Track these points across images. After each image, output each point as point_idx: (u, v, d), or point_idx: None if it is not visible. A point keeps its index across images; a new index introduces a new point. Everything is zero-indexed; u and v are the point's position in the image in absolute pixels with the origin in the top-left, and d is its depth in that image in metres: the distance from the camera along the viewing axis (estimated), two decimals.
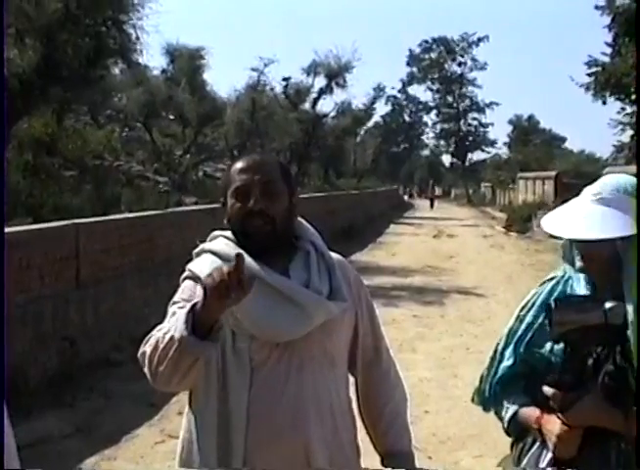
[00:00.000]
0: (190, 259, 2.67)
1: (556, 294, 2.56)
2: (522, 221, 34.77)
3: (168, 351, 2.31)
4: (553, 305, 2.38)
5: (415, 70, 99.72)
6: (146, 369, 2.44)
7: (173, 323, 2.32)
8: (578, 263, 2.50)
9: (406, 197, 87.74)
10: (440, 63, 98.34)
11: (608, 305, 2.28)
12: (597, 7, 28.84)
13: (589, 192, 2.49)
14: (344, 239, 25.23)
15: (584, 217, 2.45)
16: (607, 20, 28.78)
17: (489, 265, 21.01)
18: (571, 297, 2.49)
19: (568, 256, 2.58)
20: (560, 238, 2.55)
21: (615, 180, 2.48)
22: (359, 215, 36.50)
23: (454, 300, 15.06)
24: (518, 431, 2.61)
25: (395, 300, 14.63)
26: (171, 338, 2.29)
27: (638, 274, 2.35)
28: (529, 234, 32.00)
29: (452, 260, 22.23)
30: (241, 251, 2.50)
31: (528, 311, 2.63)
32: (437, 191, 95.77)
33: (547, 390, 2.39)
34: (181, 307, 2.45)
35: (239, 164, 2.59)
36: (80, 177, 15.40)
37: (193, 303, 2.31)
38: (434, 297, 15.32)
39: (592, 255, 2.45)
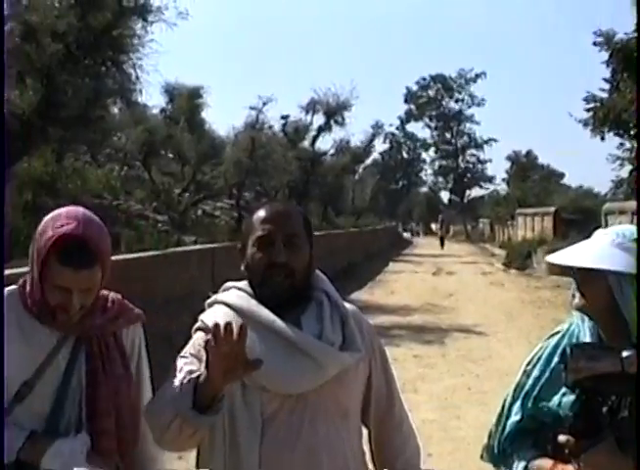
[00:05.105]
0: (202, 310, 2.64)
1: (561, 347, 2.55)
2: (521, 258, 34.74)
3: (170, 421, 2.30)
4: (569, 351, 2.36)
5: (413, 107, 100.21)
6: (150, 429, 2.44)
7: (177, 393, 2.31)
8: (576, 300, 2.49)
9: (407, 234, 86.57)
10: (438, 100, 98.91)
11: (625, 353, 2.26)
12: (595, 43, 29.07)
13: (604, 236, 2.48)
14: (344, 277, 25.17)
15: (583, 249, 2.47)
16: (605, 55, 29.00)
17: (489, 303, 20.95)
18: (587, 344, 2.47)
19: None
20: (563, 273, 2.54)
21: (632, 231, 2.48)
22: (358, 253, 36.48)
23: (455, 338, 15.00)
24: None
25: (396, 339, 14.56)
26: (173, 408, 2.29)
27: (638, 296, 2.34)
28: (529, 271, 31.98)
29: (452, 298, 22.16)
30: (254, 302, 2.49)
31: (535, 366, 2.61)
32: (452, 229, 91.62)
33: (561, 437, 2.35)
34: (188, 363, 2.44)
35: (262, 213, 2.55)
36: None
37: (196, 375, 2.30)
38: (435, 336, 15.26)
39: (587, 290, 2.44)
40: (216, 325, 2.16)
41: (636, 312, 2.35)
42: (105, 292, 2.71)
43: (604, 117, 28.67)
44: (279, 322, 2.44)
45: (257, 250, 2.50)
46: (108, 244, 2.60)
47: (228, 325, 2.14)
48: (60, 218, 2.54)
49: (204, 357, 2.33)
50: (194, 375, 2.31)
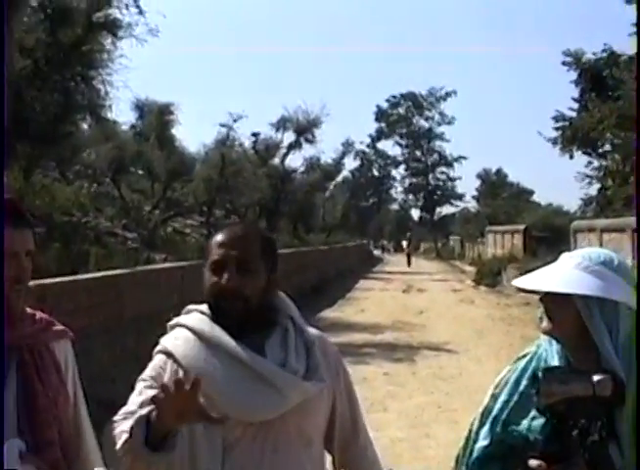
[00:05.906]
0: (163, 333, 2.59)
1: (529, 371, 2.53)
2: (491, 275, 34.89)
3: (123, 454, 2.26)
4: (540, 375, 2.35)
5: (383, 125, 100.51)
6: (105, 457, 2.41)
7: (130, 426, 2.26)
8: (544, 324, 2.46)
9: (377, 252, 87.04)
10: (408, 118, 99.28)
11: (596, 377, 2.26)
12: (564, 63, 29.51)
13: (571, 259, 2.46)
14: (314, 295, 25.15)
15: (549, 273, 2.45)
16: (573, 75, 29.46)
17: (459, 320, 20.99)
18: (558, 368, 2.45)
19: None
20: (533, 293, 2.52)
21: (598, 253, 2.46)
22: (329, 271, 36.48)
23: (425, 356, 15.00)
24: None
25: (366, 357, 14.51)
26: (126, 443, 2.25)
27: (638, 318, 2.33)
28: (499, 288, 32.11)
29: (422, 316, 22.19)
30: (216, 327, 2.44)
31: (502, 389, 2.57)
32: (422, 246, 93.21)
33: (532, 462, 2.32)
34: (148, 387, 2.39)
35: (219, 237, 2.51)
36: (48, 234, 15.26)
37: (149, 409, 2.24)
38: (405, 353, 15.25)
39: (554, 314, 2.42)
40: (163, 386, 2.13)
41: (635, 333, 2.34)
42: (31, 310, 2.63)
43: (572, 136, 29.04)
44: (242, 348, 2.40)
45: (212, 274, 2.47)
46: None
47: (179, 382, 2.12)
48: None
49: (165, 379, 2.29)
50: (144, 411, 2.26)
